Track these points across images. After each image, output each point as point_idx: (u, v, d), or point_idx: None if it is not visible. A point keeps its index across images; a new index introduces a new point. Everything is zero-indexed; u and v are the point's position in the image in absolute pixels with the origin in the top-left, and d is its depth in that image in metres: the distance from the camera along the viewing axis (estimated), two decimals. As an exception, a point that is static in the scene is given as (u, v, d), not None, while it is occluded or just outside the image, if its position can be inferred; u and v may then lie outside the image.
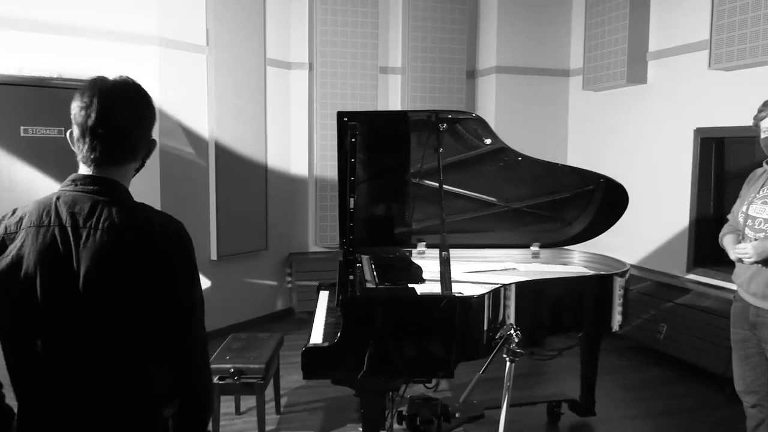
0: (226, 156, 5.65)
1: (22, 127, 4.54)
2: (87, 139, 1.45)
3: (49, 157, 4.63)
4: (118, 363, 1.42)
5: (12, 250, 1.41)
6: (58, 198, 1.44)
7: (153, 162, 5.10)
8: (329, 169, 6.34)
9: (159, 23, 5.12)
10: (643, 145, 5.74)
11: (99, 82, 1.48)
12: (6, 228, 1.44)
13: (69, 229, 1.40)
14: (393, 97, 6.73)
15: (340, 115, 2.99)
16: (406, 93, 6.63)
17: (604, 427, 3.97)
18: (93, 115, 1.43)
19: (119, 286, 1.38)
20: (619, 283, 3.42)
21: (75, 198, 1.44)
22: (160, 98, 5.11)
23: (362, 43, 6.39)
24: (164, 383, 1.48)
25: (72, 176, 1.49)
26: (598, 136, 6.38)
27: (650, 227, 5.62)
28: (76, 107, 1.46)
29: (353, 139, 2.97)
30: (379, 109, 6.43)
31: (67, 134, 1.51)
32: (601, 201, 3.81)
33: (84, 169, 1.49)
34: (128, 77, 1.52)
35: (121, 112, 1.46)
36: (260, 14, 5.90)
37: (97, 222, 1.39)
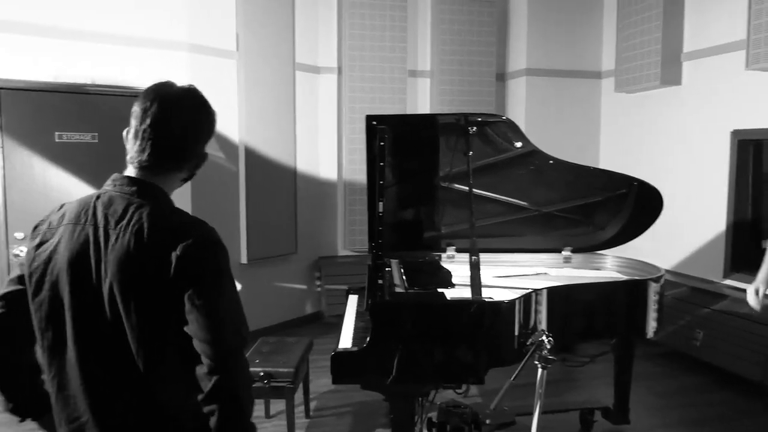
0: (255, 160, 5.69)
1: (56, 133, 4.65)
2: (138, 141, 1.46)
3: (83, 163, 4.72)
4: (138, 370, 1.39)
5: (50, 245, 1.45)
6: (98, 197, 1.46)
7: (184, 166, 5.15)
8: (358, 172, 6.34)
9: (189, 29, 5.18)
10: (677, 147, 5.63)
11: (162, 87, 1.49)
12: (49, 223, 1.48)
13: (101, 229, 1.40)
14: (422, 101, 6.71)
15: (369, 118, 2.98)
16: (435, 96, 6.60)
17: (638, 436, 3.89)
18: (148, 119, 1.44)
19: (142, 290, 1.37)
20: (654, 288, 3.35)
21: (112, 198, 1.44)
22: (191, 103, 5.16)
23: (390, 46, 6.39)
24: (190, 390, 1.42)
25: (113, 176, 1.50)
26: (631, 139, 6.27)
27: (685, 231, 5.50)
28: (136, 108, 1.47)
29: (382, 143, 2.95)
30: (408, 112, 6.41)
31: (124, 132, 1.51)
32: (635, 205, 3.73)
33: (129, 171, 1.49)
34: (194, 87, 1.52)
35: (176, 121, 1.46)
36: (289, 19, 5.93)
37: (126, 224, 1.39)
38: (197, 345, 1.39)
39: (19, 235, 4.52)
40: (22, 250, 4.52)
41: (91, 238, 1.40)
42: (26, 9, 4.49)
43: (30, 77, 4.54)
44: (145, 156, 1.45)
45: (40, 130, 4.60)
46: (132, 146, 1.47)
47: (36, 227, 1.52)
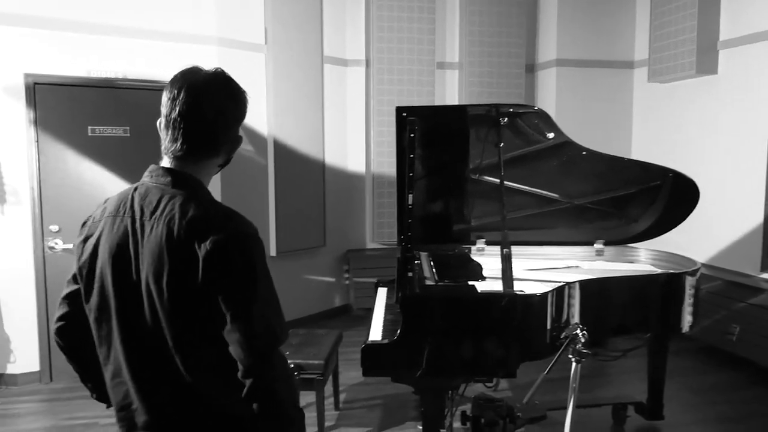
0: (284, 153, 5.71)
1: (89, 127, 4.71)
2: (169, 131, 1.43)
3: (115, 156, 4.78)
4: (173, 362, 1.39)
5: (94, 239, 1.46)
6: (135, 189, 1.45)
7: (214, 160, 5.19)
8: (386, 165, 6.33)
9: (218, 23, 5.21)
10: (712, 137, 5.50)
11: (189, 74, 1.45)
12: (93, 217, 1.51)
13: (137, 221, 1.40)
14: (450, 93, 6.66)
15: (399, 110, 2.95)
16: (464, 88, 6.55)
17: (672, 432, 3.83)
18: (177, 108, 1.41)
19: (172, 283, 1.35)
20: (690, 282, 3.28)
21: (148, 189, 1.43)
22: (220, 97, 5.20)
23: (419, 38, 6.35)
24: (228, 380, 1.39)
25: (150, 167, 1.48)
26: (665, 130, 6.14)
27: (721, 224, 5.38)
28: (164, 98, 1.44)
29: (412, 135, 2.93)
30: (436, 104, 6.37)
31: (157, 123, 1.49)
32: (669, 197, 3.66)
33: (164, 161, 1.47)
34: (221, 70, 1.48)
35: (206, 106, 1.42)
36: (317, 12, 5.92)
37: (160, 215, 1.37)
38: (231, 347, 1.36)
39: (54, 227, 4.60)
40: (57, 243, 4.60)
41: (129, 230, 1.40)
42: (59, 5, 4.55)
43: (63, 72, 4.61)
44: (177, 145, 1.43)
45: (74, 124, 4.67)
46: (165, 136, 1.45)
47: (84, 223, 1.53)
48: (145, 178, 1.47)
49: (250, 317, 1.34)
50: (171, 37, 4.99)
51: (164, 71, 4.88)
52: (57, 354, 4.58)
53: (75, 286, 1.54)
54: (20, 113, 4.50)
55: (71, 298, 1.56)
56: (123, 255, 1.41)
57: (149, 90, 4.79)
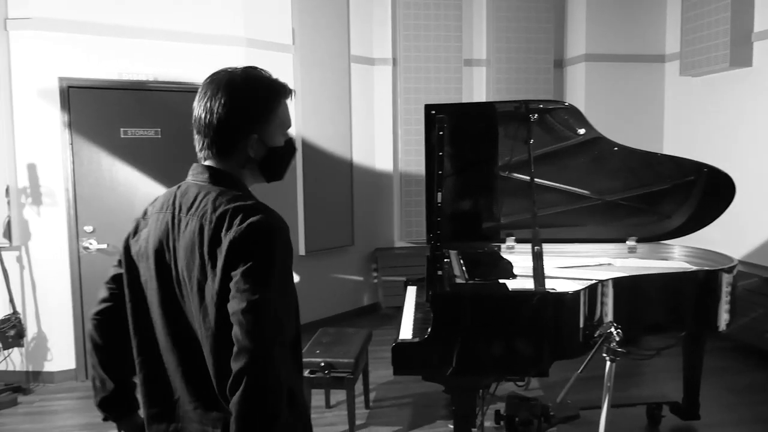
0: (312, 153, 5.73)
1: (121, 129, 4.79)
2: (200, 131, 1.48)
3: (147, 157, 4.85)
4: (200, 353, 1.43)
5: (142, 235, 1.53)
6: (179, 187, 1.52)
7: (243, 160, 5.24)
8: (414, 164, 6.31)
9: (246, 24, 5.25)
10: (748, 132, 5.37)
11: (216, 74, 1.48)
12: (143, 213, 1.57)
13: (176, 217, 1.46)
14: (478, 90, 6.62)
15: (428, 107, 2.94)
16: (491, 85, 6.50)
17: (708, 432, 3.75)
18: (202, 109, 1.46)
19: (201, 273, 1.38)
20: (726, 279, 3.21)
21: (188, 187, 1.49)
22: (249, 98, 5.25)
23: (445, 36, 6.32)
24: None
25: (193, 165, 1.53)
26: (698, 124, 6.02)
27: (758, 220, 5.25)
28: (195, 100, 1.49)
29: (441, 132, 2.92)
30: (464, 102, 6.34)
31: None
32: (704, 192, 3.58)
33: (203, 161, 1.53)
34: (244, 68, 1.50)
35: (218, 104, 1.44)
36: (344, 11, 5.94)
37: (195, 211, 1.42)
38: (234, 329, 1.31)
39: (89, 228, 4.68)
40: (91, 243, 4.69)
41: (169, 226, 1.47)
42: (91, 10, 4.63)
43: (96, 75, 4.69)
44: (203, 145, 1.48)
45: (107, 126, 4.75)
46: (198, 138, 1.50)
47: (136, 219, 1.60)
48: (189, 176, 1.53)
49: (259, 302, 1.30)
50: (200, 38, 5.04)
51: (194, 73, 4.95)
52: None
53: (120, 270, 1.59)
54: (55, 116, 4.59)
55: (118, 282, 1.59)
56: (163, 250, 1.47)
57: (180, 92, 4.85)
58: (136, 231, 1.56)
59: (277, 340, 1.34)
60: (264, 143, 1.50)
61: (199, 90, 1.47)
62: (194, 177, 1.50)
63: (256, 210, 1.39)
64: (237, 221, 1.36)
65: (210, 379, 1.42)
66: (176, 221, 1.45)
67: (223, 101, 1.43)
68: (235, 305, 1.31)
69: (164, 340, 1.48)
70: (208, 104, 1.44)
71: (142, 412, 1.58)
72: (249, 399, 1.28)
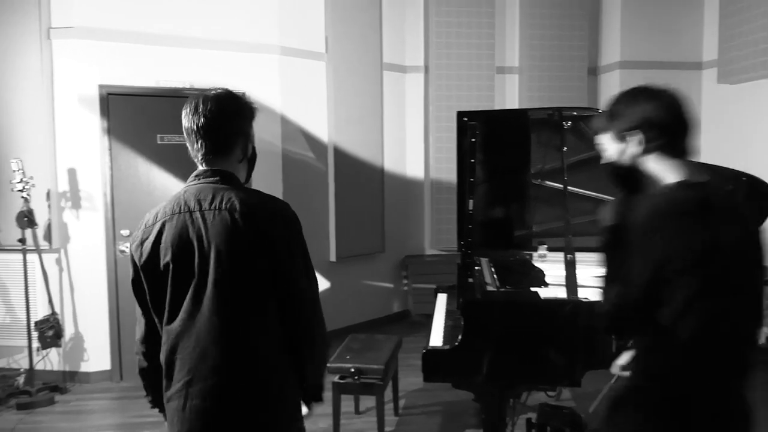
0: (344, 160, 5.77)
1: (158, 135, 4.88)
2: (194, 140, 1.75)
3: (182, 163, 4.87)
4: (241, 321, 1.68)
5: (150, 240, 1.71)
6: (184, 192, 1.74)
7: (275, 166, 5.31)
8: (444, 171, 6.31)
9: (280, 33, 5.32)
10: (788, 140, 5.25)
11: (201, 94, 1.76)
12: (146, 224, 1.76)
13: (197, 213, 1.68)
14: (510, 98, 6.59)
15: (460, 114, 2.95)
16: (524, 93, 6.47)
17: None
18: (191, 120, 1.73)
19: (243, 255, 1.67)
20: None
21: (199, 188, 1.73)
22: (281, 104, 5.31)
23: (477, 43, 6.31)
24: (277, 339, 1.72)
25: (195, 172, 1.78)
26: (736, 132, 5.90)
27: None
28: (183, 116, 1.75)
29: (473, 139, 2.91)
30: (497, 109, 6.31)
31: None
32: (743, 201, 3.50)
33: (201, 166, 1.78)
34: (225, 89, 1.80)
35: (211, 112, 1.72)
36: (376, 20, 5.98)
37: (220, 204, 1.68)
38: (288, 299, 1.71)
39: (125, 232, 4.78)
40: (127, 247, 4.76)
41: (188, 221, 1.68)
42: (130, 19, 4.75)
43: (134, 83, 4.80)
44: (208, 148, 1.74)
45: (144, 132, 4.85)
46: (192, 146, 1.76)
47: (134, 234, 1.80)
48: (191, 181, 1.77)
49: (308, 268, 1.77)
50: (235, 46, 5.13)
51: (229, 80, 5.00)
52: (126, 354, 4.76)
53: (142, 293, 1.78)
54: (94, 123, 4.71)
55: (147, 315, 1.80)
56: (185, 242, 1.67)
57: (214, 99, 4.92)
58: (143, 241, 1.73)
59: (314, 293, 1.79)
60: (250, 143, 1.85)
61: (186, 107, 1.74)
62: (203, 180, 1.74)
63: (275, 199, 1.78)
64: (271, 208, 1.73)
65: (245, 340, 1.69)
66: (198, 215, 1.68)
67: (214, 108, 1.72)
68: (290, 279, 1.71)
69: (204, 317, 1.67)
70: (202, 114, 1.71)
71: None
72: (321, 352, 1.83)
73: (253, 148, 1.88)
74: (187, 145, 1.78)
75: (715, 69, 5.91)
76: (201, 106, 1.72)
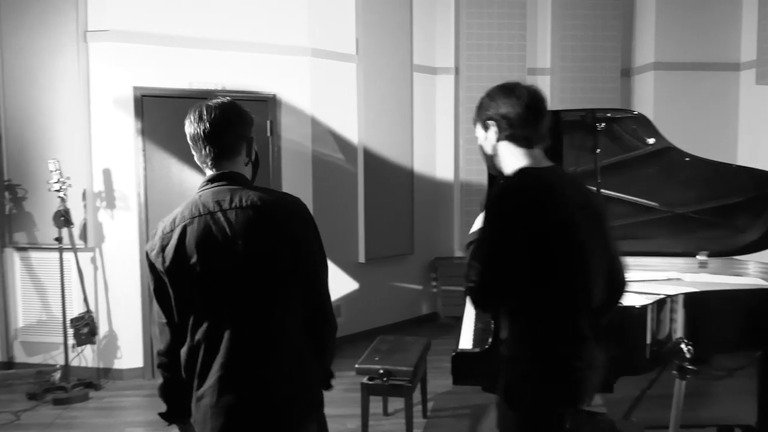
0: (373, 161, 5.78)
1: (191, 137, 4.93)
2: (201, 146, 1.79)
3: (215, 164, 4.98)
4: (271, 313, 1.74)
5: (172, 244, 1.72)
6: (200, 196, 1.79)
7: (306, 167, 5.34)
8: (475, 173, 6.28)
9: (311, 35, 5.35)
10: (830, 143, 5.10)
11: (204, 103, 1.83)
12: (163, 230, 1.77)
13: (218, 213, 1.72)
14: (541, 99, 6.51)
15: (491, 116, 2.91)
16: (556, 95, 6.40)
17: (784, 459, 3.55)
18: (197, 127, 1.79)
19: (269, 250, 1.72)
20: (806, 297, 3.04)
21: (215, 191, 1.77)
22: (311, 106, 5.34)
23: (509, 45, 6.27)
24: (302, 331, 1.79)
25: (206, 177, 1.82)
26: (775, 135, 5.76)
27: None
28: (188, 125, 1.82)
29: (505, 141, 2.88)
30: (527, 111, 6.25)
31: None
32: (782, 206, 3.42)
33: (210, 171, 1.82)
34: (227, 99, 1.88)
35: (216, 118, 1.79)
36: (407, 21, 5.97)
37: (240, 202, 1.73)
38: (309, 286, 1.78)
39: (158, 232, 4.85)
40: (160, 246, 4.84)
41: (210, 221, 1.72)
42: (164, 22, 4.83)
43: (167, 85, 4.87)
44: (217, 152, 1.80)
45: (177, 133, 4.83)
46: (199, 153, 1.81)
47: (149, 243, 1.80)
48: (205, 186, 1.81)
49: (324, 258, 1.85)
50: (266, 48, 5.17)
51: (260, 82, 5.09)
52: (159, 352, 4.82)
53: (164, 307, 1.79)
54: (129, 124, 4.79)
55: (171, 324, 1.80)
56: (211, 242, 1.71)
57: (246, 100, 4.97)
58: (164, 247, 1.73)
59: (326, 280, 1.88)
60: (253, 147, 1.91)
61: (189, 116, 1.81)
62: (217, 184, 1.79)
63: (286, 194, 1.87)
64: (290, 205, 1.81)
65: (278, 334, 1.75)
66: (220, 215, 1.72)
67: (218, 115, 1.79)
68: (310, 267, 1.79)
69: (232, 312, 1.72)
70: (207, 120, 1.78)
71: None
72: (335, 341, 1.91)
73: (256, 152, 1.95)
74: (193, 152, 1.84)
75: (754, 70, 5.78)
76: (205, 113, 1.79)
